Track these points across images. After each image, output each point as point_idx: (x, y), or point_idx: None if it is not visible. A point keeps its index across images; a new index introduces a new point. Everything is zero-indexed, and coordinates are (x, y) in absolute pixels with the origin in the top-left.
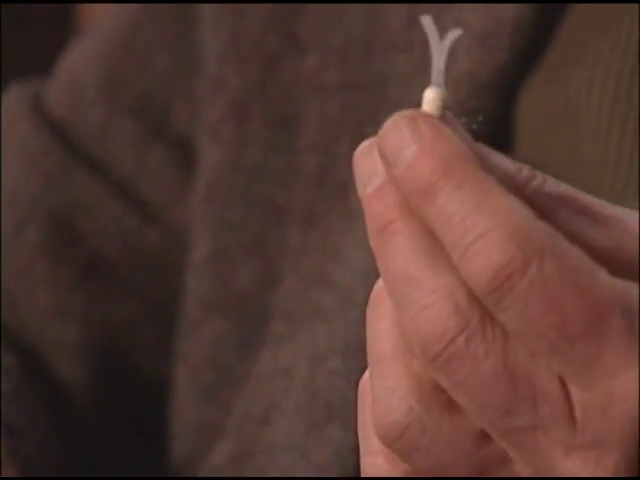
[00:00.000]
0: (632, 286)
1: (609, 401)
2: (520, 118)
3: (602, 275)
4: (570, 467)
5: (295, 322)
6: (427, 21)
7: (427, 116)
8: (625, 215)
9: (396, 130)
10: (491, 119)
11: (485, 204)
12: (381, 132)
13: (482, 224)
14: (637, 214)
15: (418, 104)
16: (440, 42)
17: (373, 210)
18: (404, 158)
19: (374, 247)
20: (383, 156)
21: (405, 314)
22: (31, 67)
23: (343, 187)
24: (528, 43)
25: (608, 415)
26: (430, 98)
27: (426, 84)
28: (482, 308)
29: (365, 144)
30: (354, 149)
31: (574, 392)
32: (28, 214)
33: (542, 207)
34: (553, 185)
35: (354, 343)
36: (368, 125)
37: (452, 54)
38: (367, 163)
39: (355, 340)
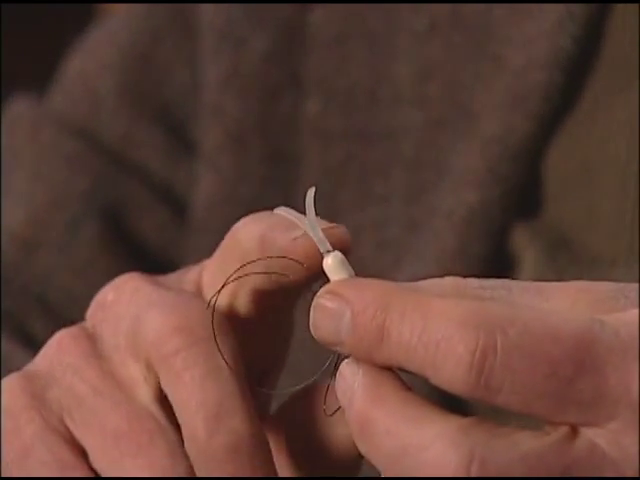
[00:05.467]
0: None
1: None
2: (546, 180)
3: (562, 315)
4: None
5: None
6: (309, 196)
7: (342, 281)
8: (564, 284)
9: (324, 311)
10: (519, 184)
11: (430, 315)
12: (312, 322)
13: (435, 333)
14: (577, 282)
15: (433, 163)
16: (309, 219)
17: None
18: (344, 326)
19: (362, 448)
20: (325, 343)
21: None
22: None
23: None
24: (556, 108)
25: None
26: (333, 264)
27: (443, 143)
28: (478, 430)
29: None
30: (357, 199)
31: (598, 434)
32: (81, 212)
33: (486, 298)
34: (489, 279)
35: None
36: (373, 176)
37: (478, 118)
38: (342, 385)
39: None
